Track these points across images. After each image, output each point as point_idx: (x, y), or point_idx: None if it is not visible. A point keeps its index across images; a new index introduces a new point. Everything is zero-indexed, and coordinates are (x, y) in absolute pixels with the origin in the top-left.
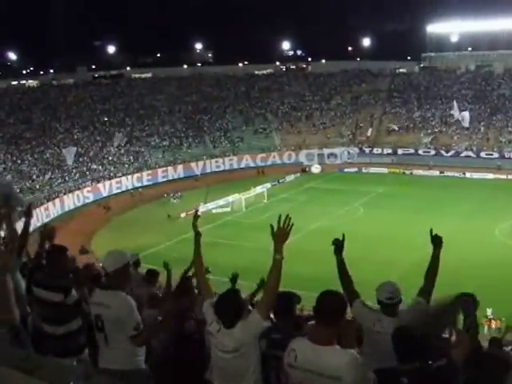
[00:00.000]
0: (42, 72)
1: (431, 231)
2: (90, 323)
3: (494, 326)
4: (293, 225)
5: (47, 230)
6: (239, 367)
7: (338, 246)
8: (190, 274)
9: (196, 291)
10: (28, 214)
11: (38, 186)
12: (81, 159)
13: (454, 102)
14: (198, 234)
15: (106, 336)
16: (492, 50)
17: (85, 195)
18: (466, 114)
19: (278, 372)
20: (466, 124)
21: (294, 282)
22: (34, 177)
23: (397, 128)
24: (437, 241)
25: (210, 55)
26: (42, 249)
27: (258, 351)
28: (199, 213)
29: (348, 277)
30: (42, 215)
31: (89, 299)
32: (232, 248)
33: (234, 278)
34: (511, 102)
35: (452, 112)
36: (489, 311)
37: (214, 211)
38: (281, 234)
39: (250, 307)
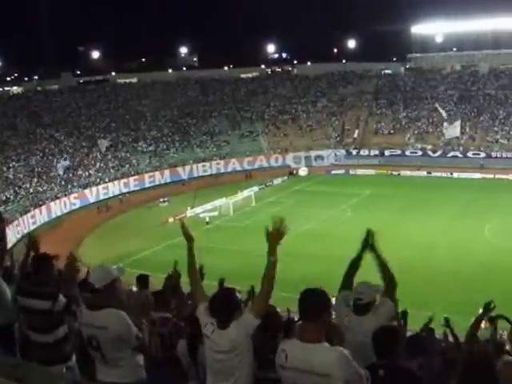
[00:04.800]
0: (26, 78)
1: (367, 233)
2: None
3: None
4: (286, 226)
5: (31, 242)
6: (233, 366)
7: (366, 242)
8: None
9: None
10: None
11: (23, 193)
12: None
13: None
14: (190, 241)
15: (103, 355)
16: (477, 50)
17: (72, 202)
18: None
19: None
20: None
21: (281, 285)
22: (20, 183)
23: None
24: (367, 243)
25: (194, 59)
26: (27, 258)
27: (251, 350)
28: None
29: (354, 270)
30: (28, 222)
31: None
32: (220, 252)
33: (220, 284)
34: (497, 101)
35: (438, 108)
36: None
37: (201, 215)
38: (274, 235)
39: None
